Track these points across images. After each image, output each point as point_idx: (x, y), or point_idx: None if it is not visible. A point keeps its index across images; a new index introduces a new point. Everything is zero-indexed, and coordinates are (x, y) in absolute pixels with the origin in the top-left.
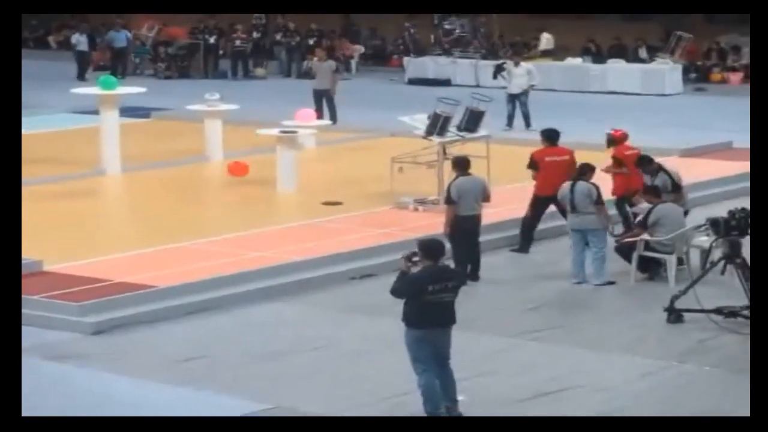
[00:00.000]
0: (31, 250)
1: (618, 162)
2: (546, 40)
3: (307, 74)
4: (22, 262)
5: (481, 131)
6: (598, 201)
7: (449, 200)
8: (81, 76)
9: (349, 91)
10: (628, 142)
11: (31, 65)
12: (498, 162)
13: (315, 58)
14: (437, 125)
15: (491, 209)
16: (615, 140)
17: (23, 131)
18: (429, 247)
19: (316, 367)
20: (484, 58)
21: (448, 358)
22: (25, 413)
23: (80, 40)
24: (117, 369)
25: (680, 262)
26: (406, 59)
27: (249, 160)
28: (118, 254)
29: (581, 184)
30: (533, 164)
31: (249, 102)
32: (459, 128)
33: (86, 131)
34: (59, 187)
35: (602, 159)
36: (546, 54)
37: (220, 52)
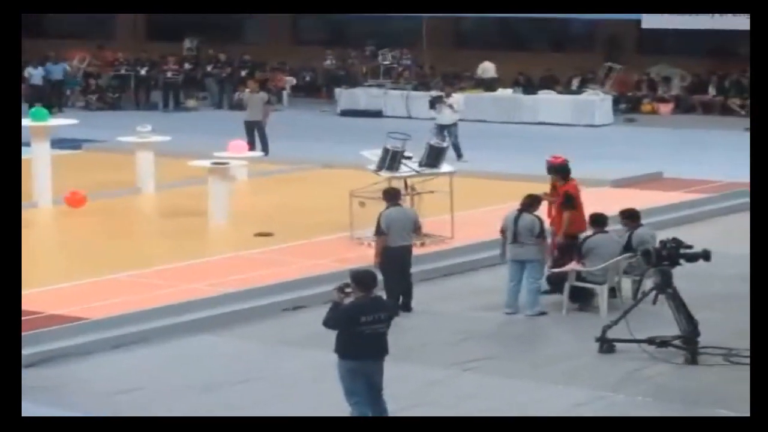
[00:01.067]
0: None
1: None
2: (486, 69)
3: (239, 106)
4: None
5: (444, 167)
6: (540, 234)
7: (379, 231)
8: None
9: (281, 122)
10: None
11: None
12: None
13: (247, 90)
14: (386, 160)
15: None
16: (554, 168)
17: None
18: (361, 278)
19: (249, 399)
20: (415, 89)
21: (381, 389)
22: None
23: (33, 74)
24: (49, 402)
25: (612, 293)
26: (337, 90)
27: (181, 192)
28: (50, 286)
29: (526, 217)
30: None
31: (181, 133)
32: (420, 164)
33: None
34: None
35: (543, 189)
36: (481, 84)
37: (152, 83)
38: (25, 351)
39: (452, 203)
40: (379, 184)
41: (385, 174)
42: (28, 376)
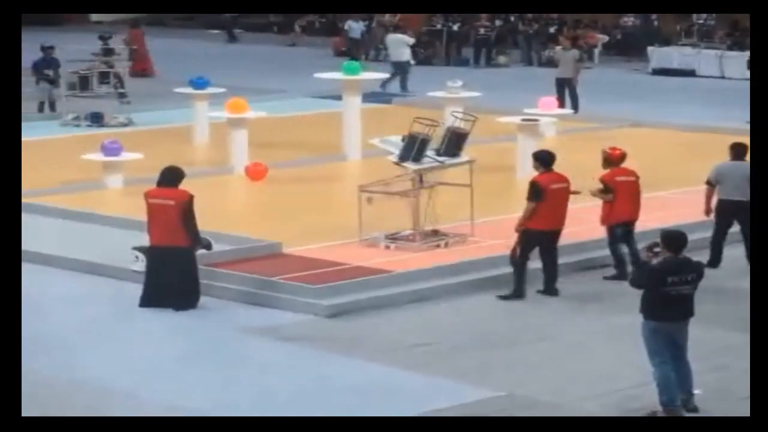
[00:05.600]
0: (271, 232)
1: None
2: None
3: (549, 62)
4: (261, 243)
5: (464, 156)
6: None
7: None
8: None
9: (592, 80)
10: (625, 165)
11: (277, 51)
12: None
13: (559, 47)
14: (413, 150)
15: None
16: (611, 160)
17: (265, 114)
18: (671, 239)
19: (547, 356)
20: (730, 48)
21: (685, 350)
22: (249, 390)
23: (353, 27)
24: (349, 352)
25: None
26: (650, 49)
27: (490, 148)
28: (356, 239)
29: None
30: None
31: (491, 90)
32: (438, 153)
33: (327, 116)
34: (300, 172)
35: None
36: None
37: (463, 39)
38: (330, 301)
39: (472, 196)
40: (402, 176)
41: (411, 165)
42: (331, 326)
